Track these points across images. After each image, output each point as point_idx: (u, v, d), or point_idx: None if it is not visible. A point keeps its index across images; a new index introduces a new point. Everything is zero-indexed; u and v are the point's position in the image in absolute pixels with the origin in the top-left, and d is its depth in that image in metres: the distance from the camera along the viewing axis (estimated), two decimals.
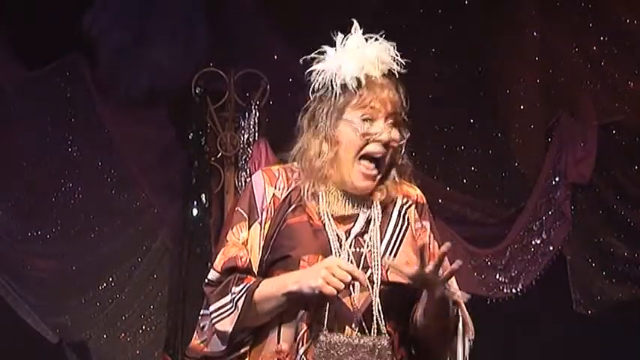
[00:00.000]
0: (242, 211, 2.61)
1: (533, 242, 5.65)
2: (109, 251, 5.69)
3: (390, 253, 2.54)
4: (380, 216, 2.59)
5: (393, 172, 2.62)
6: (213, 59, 5.56)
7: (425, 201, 2.70)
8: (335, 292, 2.40)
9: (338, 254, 2.50)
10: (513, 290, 5.64)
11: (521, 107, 5.66)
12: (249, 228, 2.59)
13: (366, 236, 2.55)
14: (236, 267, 2.55)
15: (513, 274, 5.65)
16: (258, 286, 2.50)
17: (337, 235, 2.54)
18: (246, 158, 5.55)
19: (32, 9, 5.45)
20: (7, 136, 5.54)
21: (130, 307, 5.77)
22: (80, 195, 5.65)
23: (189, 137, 5.62)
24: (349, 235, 2.55)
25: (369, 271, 2.50)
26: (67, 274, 5.66)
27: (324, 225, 2.54)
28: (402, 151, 2.62)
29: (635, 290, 5.56)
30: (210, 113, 5.62)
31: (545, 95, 5.63)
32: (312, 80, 2.62)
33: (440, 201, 5.50)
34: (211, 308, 2.54)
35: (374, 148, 2.55)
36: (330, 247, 2.51)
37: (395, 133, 2.57)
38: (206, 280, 2.59)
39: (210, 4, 5.47)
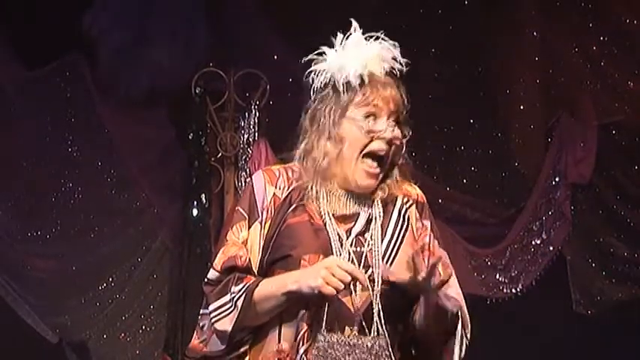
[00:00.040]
0: (242, 211, 2.62)
1: (533, 242, 5.66)
2: (109, 251, 5.69)
3: (391, 253, 2.54)
4: (381, 214, 2.59)
5: (395, 170, 2.62)
6: (213, 59, 5.56)
7: (425, 200, 2.70)
8: (334, 292, 2.40)
9: (339, 254, 2.50)
10: (513, 290, 5.65)
11: (521, 107, 5.67)
12: (249, 227, 2.59)
13: (367, 234, 2.55)
14: (235, 266, 2.55)
15: (513, 274, 5.66)
16: (257, 285, 2.50)
17: (338, 234, 2.54)
18: (246, 158, 5.55)
19: (32, 9, 5.45)
20: (7, 136, 5.53)
21: (130, 307, 5.77)
22: (80, 195, 5.65)
23: (189, 137, 5.62)
24: (350, 234, 2.55)
25: (370, 271, 2.50)
26: (67, 274, 5.66)
27: (325, 224, 2.54)
28: (403, 150, 2.62)
29: (635, 290, 5.56)
30: (210, 113, 5.62)
31: (545, 95, 5.63)
32: (311, 81, 2.62)
33: (440, 201, 5.50)
34: (211, 307, 2.54)
35: (378, 145, 2.56)
36: (331, 247, 2.51)
37: (397, 131, 2.58)
38: (205, 280, 2.59)
39: (210, 4, 5.47)
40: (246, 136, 5.59)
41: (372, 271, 2.50)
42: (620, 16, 5.48)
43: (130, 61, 5.34)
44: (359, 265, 2.49)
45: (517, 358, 5.66)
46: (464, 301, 2.61)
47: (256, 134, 5.57)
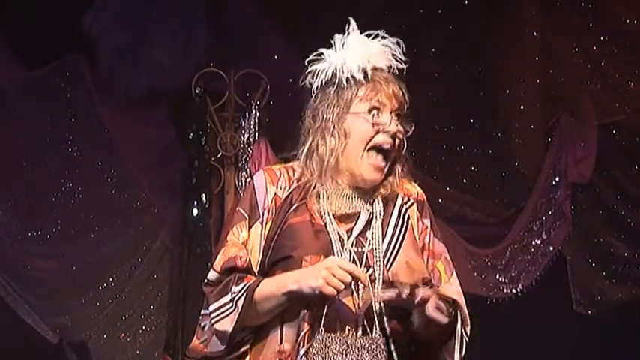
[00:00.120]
0: (242, 211, 2.62)
1: (533, 242, 5.66)
2: (109, 251, 5.69)
3: (391, 254, 2.54)
4: (381, 213, 2.59)
5: (397, 167, 2.63)
6: (213, 59, 5.56)
7: (425, 198, 2.71)
8: (335, 292, 2.40)
9: (340, 254, 2.50)
10: (513, 290, 5.65)
11: (521, 107, 5.66)
12: (250, 228, 2.59)
13: (367, 233, 2.55)
14: (235, 267, 2.55)
15: (513, 274, 5.66)
16: (258, 285, 2.50)
17: (339, 234, 2.54)
18: (246, 158, 5.55)
19: (32, 9, 5.45)
20: (7, 136, 5.53)
21: (130, 307, 5.77)
22: (80, 195, 5.64)
23: (189, 137, 5.62)
24: (351, 234, 2.55)
25: (370, 271, 2.50)
26: (67, 274, 5.66)
27: (326, 224, 2.54)
28: (404, 148, 2.62)
29: (635, 290, 5.56)
30: (210, 113, 5.62)
31: (545, 95, 5.63)
32: (311, 80, 2.63)
33: (440, 201, 5.50)
34: (211, 308, 2.54)
35: (383, 138, 2.56)
36: (332, 247, 2.51)
37: (400, 126, 2.58)
38: (206, 280, 2.60)
39: (210, 4, 5.47)
40: (246, 136, 5.59)
41: (373, 271, 2.51)
42: (620, 16, 5.48)
43: (130, 61, 5.34)
44: (360, 265, 2.50)
45: (517, 358, 5.65)
46: (464, 299, 2.62)
47: (256, 134, 5.56)
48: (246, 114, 5.60)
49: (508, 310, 5.59)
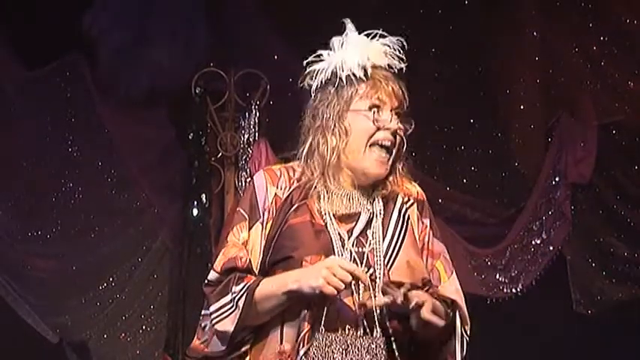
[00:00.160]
0: (243, 212, 2.62)
1: (533, 242, 5.65)
2: (109, 251, 5.69)
3: (392, 254, 2.54)
4: (382, 212, 2.59)
5: (397, 166, 2.63)
6: (213, 59, 5.56)
7: (425, 198, 2.71)
8: (335, 292, 2.40)
9: (340, 254, 2.50)
10: (513, 290, 5.64)
11: (521, 107, 5.66)
12: (250, 228, 2.58)
13: (368, 233, 2.55)
14: (236, 267, 2.55)
15: (513, 274, 5.65)
16: (258, 284, 2.50)
17: (339, 234, 2.54)
18: (246, 158, 5.55)
19: (32, 9, 5.45)
20: (7, 136, 5.53)
21: (130, 307, 5.77)
22: (80, 195, 5.64)
23: (189, 137, 5.62)
24: (351, 234, 2.55)
25: (371, 271, 2.50)
26: (67, 274, 5.66)
27: (326, 225, 2.54)
28: (404, 147, 2.62)
29: (635, 290, 5.56)
30: (210, 113, 5.62)
31: (545, 95, 5.63)
32: (310, 82, 2.63)
33: (440, 201, 5.50)
34: (212, 308, 2.54)
35: (384, 135, 2.57)
36: (333, 248, 2.51)
37: (401, 124, 2.59)
38: (206, 281, 2.59)
39: (210, 4, 5.47)
40: (246, 136, 5.58)
41: (374, 271, 2.51)
42: (620, 16, 5.48)
43: (130, 61, 5.34)
44: (360, 265, 2.50)
45: (517, 358, 5.65)
46: (463, 298, 2.62)
47: (256, 134, 5.56)
48: (246, 114, 5.60)
49: (508, 310, 5.59)
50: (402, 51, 2.63)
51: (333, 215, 2.56)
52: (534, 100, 5.65)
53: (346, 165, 2.59)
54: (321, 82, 2.62)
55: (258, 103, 5.56)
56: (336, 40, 2.63)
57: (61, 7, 5.27)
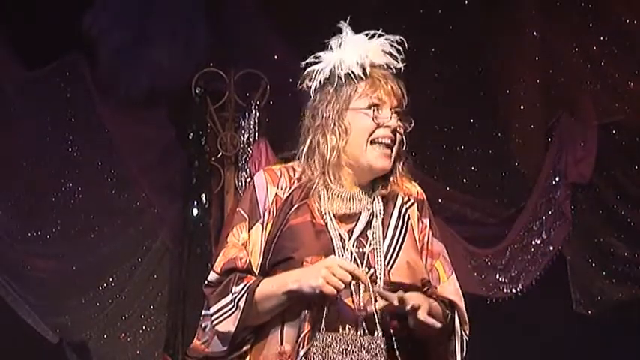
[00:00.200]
0: (243, 212, 2.61)
1: (533, 242, 5.65)
2: (109, 251, 5.69)
3: (392, 254, 2.54)
4: (382, 212, 2.59)
5: (397, 165, 2.63)
6: (213, 59, 5.56)
7: (424, 197, 2.71)
8: (335, 291, 2.40)
9: (341, 255, 2.50)
10: (513, 290, 5.64)
11: (521, 107, 5.66)
12: (250, 229, 2.58)
13: (368, 233, 2.55)
14: (235, 268, 2.55)
15: (513, 274, 5.65)
16: (258, 284, 2.50)
17: (340, 235, 2.54)
18: (246, 158, 5.55)
19: (32, 9, 5.45)
20: (7, 136, 5.53)
21: (130, 307, 5.77)
22: (80, 195, 5.64)
23: (189, 137, 5.62)
24: (352, 234, 2.55)
25: (371, 271, 2.50)
26: (67, 274, 5.65)
27: (327, 225, 2.54)
28: (404, 146, 2.62)
29: (635, 290, 5.56)
30: (210, 113, 5.62)
31: (545, 95, 5.63)
32: (309, 83, 2.63)
33: (440, 201, 5.49)
34: (212, 309, 2.54)
35: (384, 132, 2.57)
36: (333, 248, 2.51)
37: (400, 123, 2.59)
38: (206, 282, 2.59)
39: (210, 4, 5.47)
40: (246, 136, 5.58)
41: (374, 272, 2.50)
42: (620, 16, 5.48)
43: (130, 61, 5.34)
44: (361, 265, 2.49)
45: (517, 358, 5.65)
46: (462, 298, 2.62)
47: (256, 134, 5.56)
48: (246, 114, 5.59)
49: (508, 310, 5.59)
50: (401, 50, 2.63)
51: (334, 215, 2.56)
52: (534, 100, 5.65)
53: (347, 164, 2.60)
54: (320, 81, 2.62)
55: (258, 103, 5.56)
56: (334, 41, 2.63)
57: (61, 7, 5.27)
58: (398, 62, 2.62)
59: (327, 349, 2.44)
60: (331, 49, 2.63)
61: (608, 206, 5.62)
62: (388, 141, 2.57)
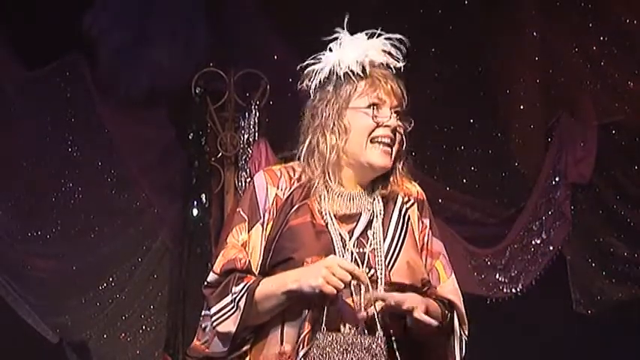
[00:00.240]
0: (242, 213, 2.61)
1: (533, 242, 5.65)
2: (109, 251, 5.69)
3: (392, 254, 2.54)
4: (382, 212, 2.59)
5: (397, 165, 2.62)
6: (213, 59, 5.56)
7: (424, 197, 2.71)
8: (335, 291, 2.40)
9: (342, 255, 2.49)
10: (513, 290, 5.64)
11: (521, 107, 5.66)
12: (250, 230, 2.58)
13: (369, 233, 2.55)
14: (235, 269, 2.54)
15: (513, 274, 5.65)
16: (258, 284, 2.49)
17: (340, 235, 2.53)
18: (246, 158, 5.55)
19: (32, 9, 5.45)
20: (7, 136, 5.53)
21: (130, 307, 5.77)
22: (80, 195, 5.64)
23: (189, 137, 5.62)
24: (352, 235, 2.54)
25: (372, 271, 2.50)
26: (67, 274, 5.65)
27: (327, 225, 2.54)
28: (404, 145, 2.62)
29: (635, 290, 5.56)
30: (210, 113, 5.62)
31: (545, 95, 5.63)
32: (309, 83, 2.63)
33: (440, 201, 5.49)
34: (212, 310, 2.53)
35: (383, 132, 2.57)
36: (334, 249, 2.51)
37: (400, 122, 2.59)
38: (205, 283, 2.59)
39: (210, 4, 5.47)
40: (246, 136, 5.58)
41: (375, 272, 2.50)
42: (620, 16, 5.48)
43: (130, 61, 5.34)
44: (362, 266, 2.49)
45: (517, 358, 5.65)
46: (461, 298, 2.63)
47: (256, 134, 5.56)
48: (246, 114, 5.59)
49: (508, 310, 5.59)
50: (401, 49, 2.62)
51: (334, 216, 2.56)
52: (534, 100, 5.65)
53: (347, 164, 2.59)
54: (320, 81, 2.62)
55: (258, 103, 5.56)
56: (333, 43, 2.63)
57: (61, 7, 5.27)
58: (398, 62, 2.62)
59: (327, 349, 2.44)
60: (330, 49, 2.63)
61: (608, 206, 5.62)
62: (388, 140, 2.57)
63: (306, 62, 2.65)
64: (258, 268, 2.55)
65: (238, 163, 5.60)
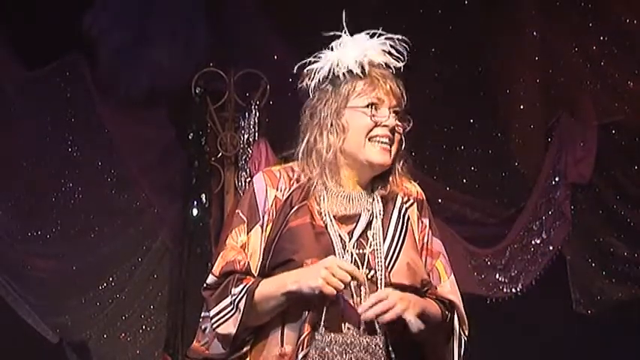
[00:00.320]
0: (242, 215, 2.61)
1: (533, 242, 5.65)
2: (109, 251, 5.69)
3: (392, 255, 2.54)
4: (381, 212, 2.58)
5: (396, 165, 2.62)
6: (213, 59, 5.56)
7: (424, 197, 2.71)
8: (335, 292, 2.40)
9: (342, 257, 2.49)
10: (513, 290, 5.64)
11: (521, 107, 5.66)
12: (249, 231, 2.57)
13: (369, 234, 2.55)
14: (234, 270, 2.54)
15: (513, 274, 5.65)
16: (257, 285, 2.49)
17: (340, 236, 2.53)
18: (246, 158, 5.55)
19: (32, 9, 5.45)
20: (7, 136, 5.53)
21: (130, 307, 5.77)
22: (80, 195, 5.64)
23: (189, 137, 5.62)
24: (352, 236, 2.54)
25: (372, 272, 2.50)
26: (67, 274, 5.65)
27: (326, 226, 2.54)
28: (403, 145, 2.62)
29: (635, 290, 5.56)
30: (210, 113, 5.62)
31: (545, 95, 5.63)
32: (308, 82, 2.63)
33: (440, 201, 5.50)
34: (212, 312, 2.53)
35: (382, 131, 2.57)
36: (334, 250, 2.50)
37: (399, 122, 2.59)
38: (204, 285, 2.58)
39: (210, 4, 5.47)
40: (246, 136, 5.58)
41: (375, 273, 2.50)
42: (620, 16, 5.48)
43: (130, 61, 5.34)
44: (362, 267, 2.49)
45: (517, 358, 5.65)
46: (460, 298, 2.63)
47: (256, 134, 5.56)
48: (246, 114, 5.59)
49: (508, 310, 5.59)
50: (400, 49, 2.62)
51: (334, 216, 2.56)
52: (534, 100, 5.65)
53: (346, 163, 2.59)
54: (319, 80, 2.62)
55: (258, 103, 5.56)
56: (333, 43, 2.63)
57: (61, 7, 5.27)
58: (397, 61, 2.62)
59: (326, 349, 2.44)
60: (331, 48, 2.63)
61: (608, 206, 5.62)
62: (386, 139, 2.57)
63: (306, 61, 2.65)
64: (258, 270, 2.55)
65: (238, 163, 5.60)
